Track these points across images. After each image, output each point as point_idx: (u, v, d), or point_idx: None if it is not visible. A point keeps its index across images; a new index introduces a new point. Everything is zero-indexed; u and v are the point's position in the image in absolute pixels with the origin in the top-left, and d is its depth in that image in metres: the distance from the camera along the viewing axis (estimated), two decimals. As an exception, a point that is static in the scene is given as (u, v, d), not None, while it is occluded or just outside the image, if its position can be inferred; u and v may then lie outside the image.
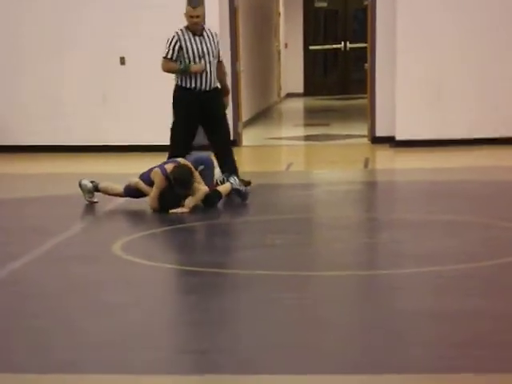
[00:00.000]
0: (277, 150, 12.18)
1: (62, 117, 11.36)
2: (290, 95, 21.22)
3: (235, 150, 11.37)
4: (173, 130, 7.81)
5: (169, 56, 7.68)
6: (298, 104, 19.63)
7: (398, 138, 11.08)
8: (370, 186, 8.89)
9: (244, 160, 11.18)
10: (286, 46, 21.13)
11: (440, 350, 3.73)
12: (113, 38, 11.21)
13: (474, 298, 4.50)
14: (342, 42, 21.15)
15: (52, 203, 7.77)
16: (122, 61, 11.25)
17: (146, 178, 7.09)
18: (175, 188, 6.92)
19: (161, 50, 12.17)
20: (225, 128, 7.84)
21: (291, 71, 21.23)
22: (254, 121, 14.76)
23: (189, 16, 7.56)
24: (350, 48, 20.95)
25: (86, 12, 11.23)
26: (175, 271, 5.34)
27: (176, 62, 7.63)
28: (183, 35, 7.61)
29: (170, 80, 11.83)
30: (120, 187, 7.29)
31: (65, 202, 7.73)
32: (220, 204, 7.26)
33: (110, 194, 7.38)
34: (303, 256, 5.68)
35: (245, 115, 12.96)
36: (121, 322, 4.25)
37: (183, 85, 7.68)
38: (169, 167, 7.00)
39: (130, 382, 3.51)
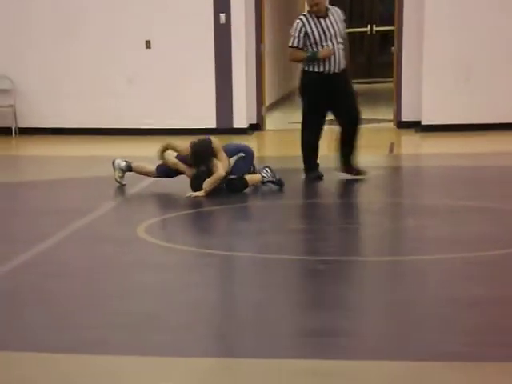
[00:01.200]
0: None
1: (89, 100, 11.39)
2: (315, 79, 21.10)
3: (259, 134, 11.42)
4: (304, 116, 7.64)
5: (295, 44, 7.48)
6: (323, 87, 19.48)
7: (424, 122, 11.00)
8: (395, 171, 8.83)
9: (267, 144, 11.16)
10: (311, 28, 21.00)
11: (463, 338, 3.70)
12: (139, 21, 11.20)
13: (499, 284, 4.47)
14: (368, 25, 20.99)
15: (79, 185, 7.82)
16: (148, 44, 11.24)
17: (181, 157, 7.12)
18: (196, 162, 6.93)
19: (186, 34, 12.13)
20: (357, 105, 7.61)
21: (316, 54, 21.11)
22: (277, 104, 14.70)
23: (309, 5, 7.46)
24: (376, 31, 20.78)
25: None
26: (195, 254, 5.33)
27: (303, 49, 7.45)
28: (307, 20, 7.43)
29: (195, 65, 11.79)
30: (152, 167, 7.36)
31: (91, 185, 7.78)
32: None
33: (141, 173, 7.45)
34: (326, 241, 5.66)
35: (268, 99, 12.91)
36: (145, 303, 4.27)
37: (311, 69, 7.49)
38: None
39: (156, 364, 3.52)
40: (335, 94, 7.45)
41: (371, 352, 3.59)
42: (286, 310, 4.17)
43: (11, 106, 11.47)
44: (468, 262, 4.94)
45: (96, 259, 5.20)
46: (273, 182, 7.25)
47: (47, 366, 3.53)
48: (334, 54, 7.39)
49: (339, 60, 7.44)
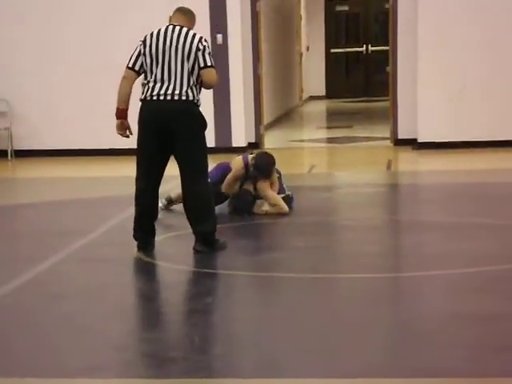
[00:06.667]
0: (299, 152, 12.14)
1: (86, 122, 11.40)
2: (312, 98, 21.19)
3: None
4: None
5: None
6: (321, 107, 19.59)
7: (421, 140, 11.04)
8: (393, 188, 8.84)
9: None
10: (307, 49, 21.10)
11: (466, 353, 3.70)
12: (134, 42, 11.23)
13: (498, 300, 4.46)
14: (364, 45, 21.11)
15: (77, 207, 7.80)
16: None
17: (215, 175, 7.06)
18: (254, 172, 7.05)
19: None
20: None
21: (313, 74, 21.19)
22: (276, 123, 14.74)
23: None
24: (372, 51, 20.90)
25: (128, 14, 11.28)
26: (191, 273, 5.32)
27: None
28: None
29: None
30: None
31: (90, 206, 7.77)
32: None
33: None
34: (326, 258, 5.66)
35: (267, 118, 12.95)
36: (136, 326, 4.26)
37: None
38: (251, 157, 7.19)
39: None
40: None
41: (373, 370, 3.58)
42: (284, 327, 4.16)
43: (7, 128, 11.49)
44: (468, 278, 4.94)
45: (93, 280, 5.17)
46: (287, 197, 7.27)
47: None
48: None
49: None
